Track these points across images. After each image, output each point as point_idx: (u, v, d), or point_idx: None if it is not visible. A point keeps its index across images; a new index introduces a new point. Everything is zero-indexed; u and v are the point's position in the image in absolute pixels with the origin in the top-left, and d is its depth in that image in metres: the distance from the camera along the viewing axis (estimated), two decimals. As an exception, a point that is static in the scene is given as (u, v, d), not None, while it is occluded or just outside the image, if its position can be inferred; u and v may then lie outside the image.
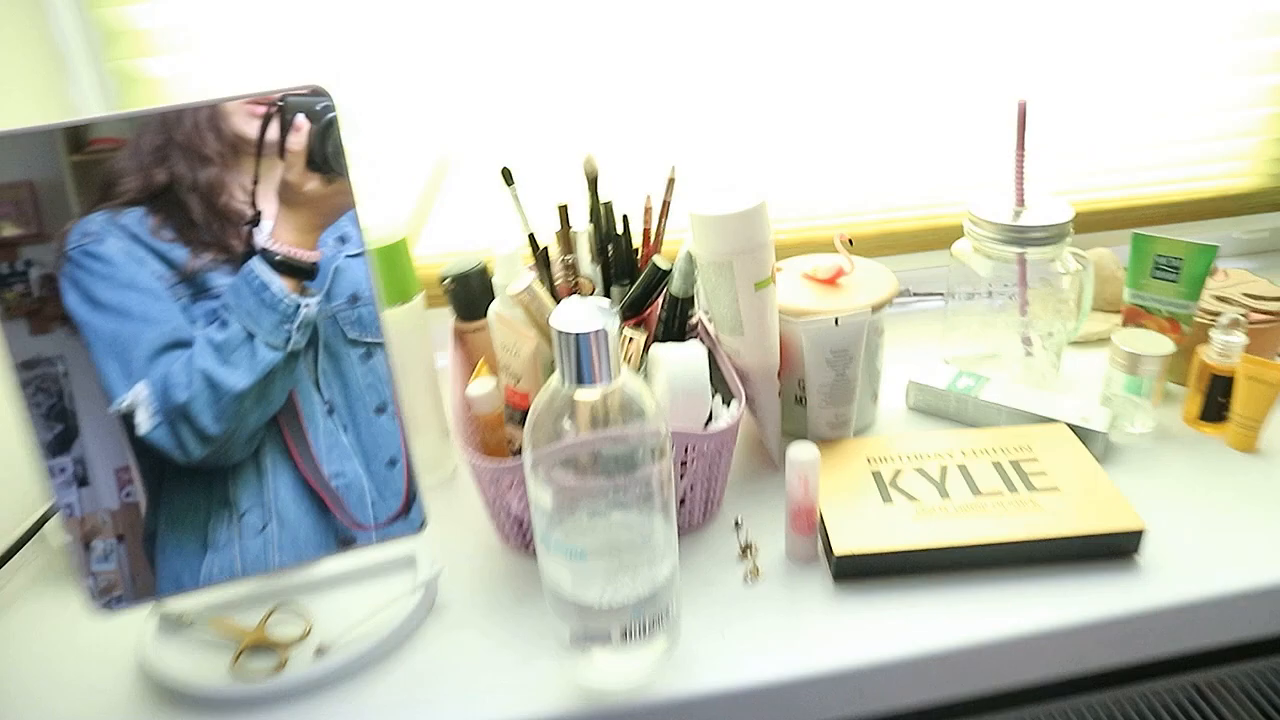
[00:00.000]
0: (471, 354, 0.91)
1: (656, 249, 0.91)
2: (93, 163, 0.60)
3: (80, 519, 0.60)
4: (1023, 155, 0.90)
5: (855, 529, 0.74)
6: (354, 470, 0.71)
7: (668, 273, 0.85)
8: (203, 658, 0.71)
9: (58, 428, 0.58)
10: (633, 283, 0.89)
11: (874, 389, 0.93)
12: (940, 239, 1.12)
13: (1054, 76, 1.11)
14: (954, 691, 0.71)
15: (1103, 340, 1.08)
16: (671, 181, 0.89)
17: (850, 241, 0.90)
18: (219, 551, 0.69)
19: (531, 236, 0.88)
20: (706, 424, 0.78)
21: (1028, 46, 1.08)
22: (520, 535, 0.78)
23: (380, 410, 0.71)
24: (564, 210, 0.88)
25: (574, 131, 1.05)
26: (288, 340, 0.68)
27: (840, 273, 0.90)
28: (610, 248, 0.91)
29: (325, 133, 0.65)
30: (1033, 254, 0.92)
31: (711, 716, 0.67)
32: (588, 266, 0.91)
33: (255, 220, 0.65)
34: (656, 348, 0.79)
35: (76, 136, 0.59)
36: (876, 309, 0.86)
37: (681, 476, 0.76)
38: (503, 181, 0.83)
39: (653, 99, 1.05)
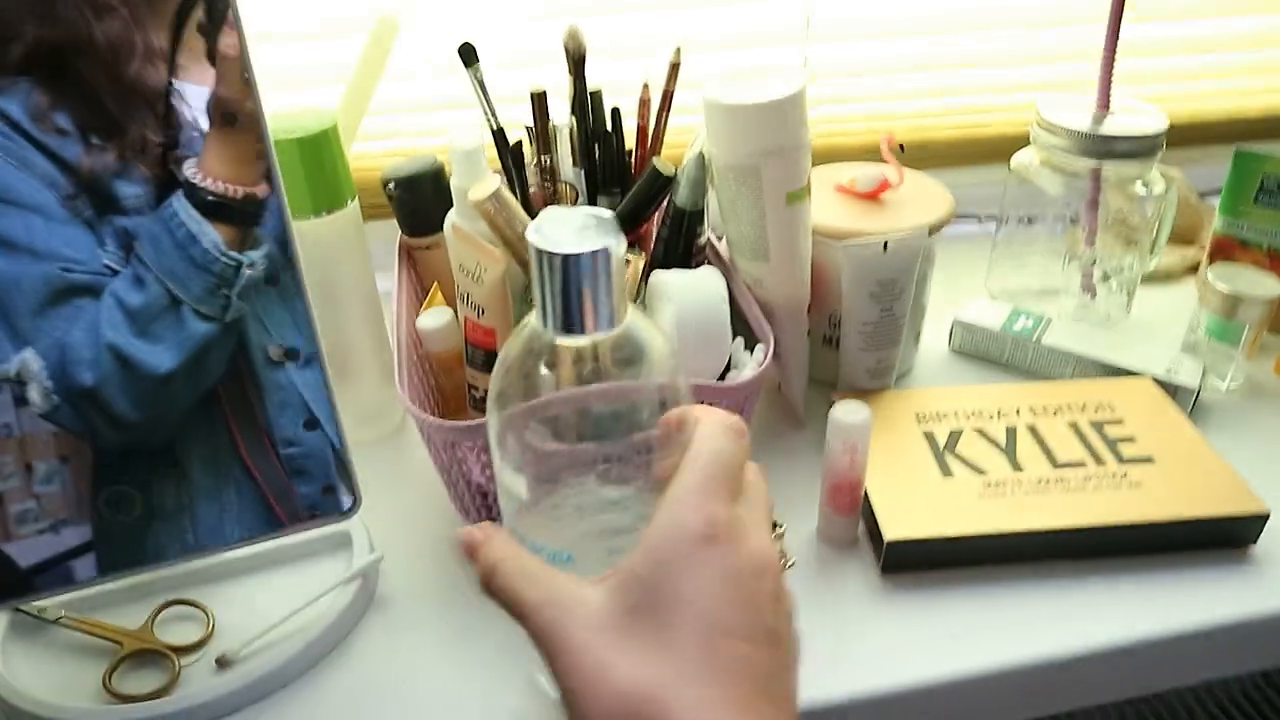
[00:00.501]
0: (423, 277, 0.73)
1: (655, 151, 0.73)
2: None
3: (19, 439, 0.50)
4: (1114, 46, 0.73)
5: (908, 508, 0.59)
6: (314, 438, 0.55)
7: (672, 179, 0.67)
8: (68, 670, 0.55)
9: None
10: (623, 194, 0.71)
11: (916, 328, 0.77)
12: (992, 151, 0.94)
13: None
14: (1027, 715, 0.57)
15: (1171, 277, 0.92)
16: (676, 66, 0.70)
17: (901, 147, 0.72)
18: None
19: (498, 132, 0.70)
20: (723, 374, 0.61)
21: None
22: (484, 509, 0.62)
23: (290, 356, 0.53)
24: (539, 98, 0.69)
25: None
26: (225, 308, 0.50)
27: (885, 185, 0.73)
28: (597, 148, 0.73)
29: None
30: (1112, 170, 0.76)
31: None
32: (569, 171, 0.73)
33: (165, 97, 0.47)
34: (660, 274, 0.62)
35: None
36: (933, 231, 0.70)
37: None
38: (461, 61, 0.64)
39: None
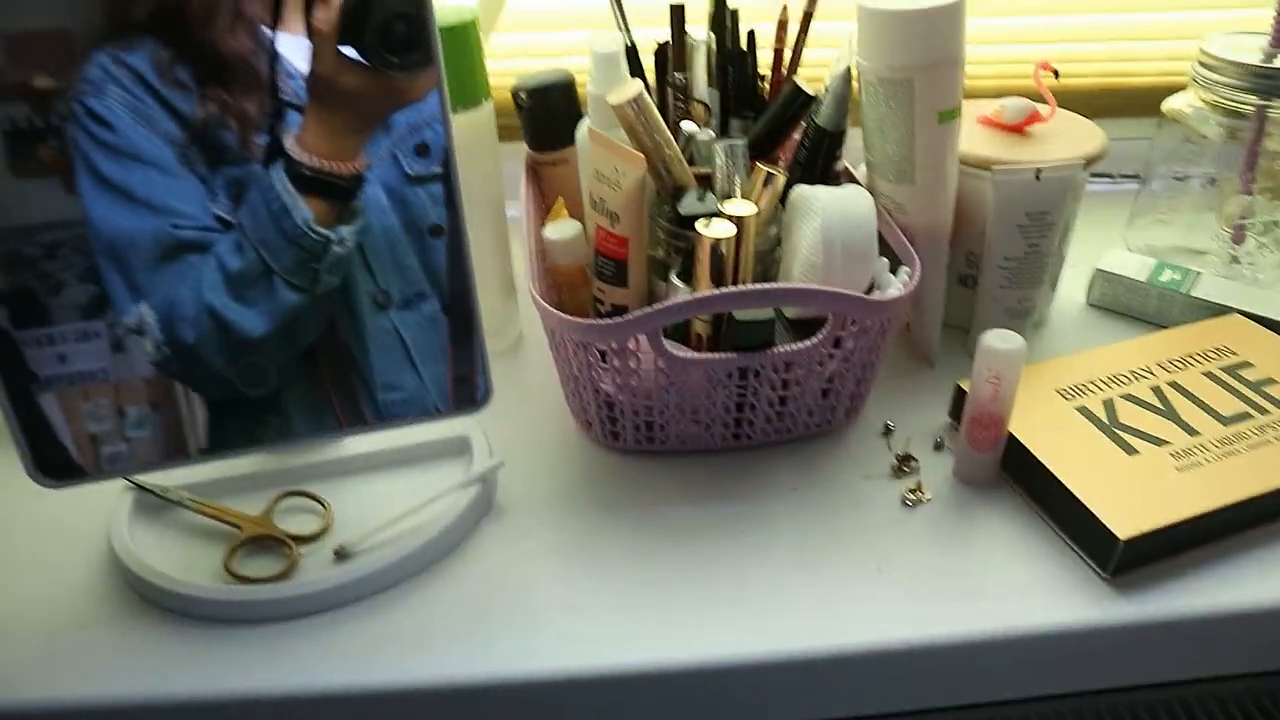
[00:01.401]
0: (548, 195, 0.72)
1: (793, 74, 0.70)
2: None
3: (114, 384, 0.51)
4: (1294, -26, 0.68)
5: (1121, 498, 0.53)
6: (412, 382, 0.55)
7: (813, 99, 0.64)
8: (189, 550, 0.55)
9: (92, 289, 0.49)
10: (756, 118, 0.69)
11: (1054, 276, 0.73)
12: (1137, 103, 0.89)
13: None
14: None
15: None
16: (817, -12, 0.68)
17: (1055, 74, 0.68)
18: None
19: (631, 49, 0.67)
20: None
21: None
22: (608, 423, 0.60)
23: (435, 233, 0.52)
24: (678, 10, 0.67)
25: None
26: (315, 281, 0.51)
27: (1035, 117, 0.69)
28: (732, 69, 0.70)
29: (366, 6, 0.46)
30: (1281, 112, 0.70)
31: (866, 677, 0.50)
32: (702, 89, 0.70)
33: (266, 61, 0.47)
34: (802, 188, 0.59)
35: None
36: (1090, 163, 0.65)
37: (832, 359, 0.57)
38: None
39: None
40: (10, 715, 0.47)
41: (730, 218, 0.55)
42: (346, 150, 0.49)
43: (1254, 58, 0.70)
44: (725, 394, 0.57)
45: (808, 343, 0.55)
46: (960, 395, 0.62)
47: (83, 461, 0.52)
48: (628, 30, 0.67)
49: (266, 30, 0.47)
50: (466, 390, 0.56)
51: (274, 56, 0.47)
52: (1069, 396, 0.61)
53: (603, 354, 0.56)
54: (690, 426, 0.59)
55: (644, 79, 0.68)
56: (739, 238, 0.55)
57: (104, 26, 0.45)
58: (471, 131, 0.63)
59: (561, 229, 0.63)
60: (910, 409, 0.64)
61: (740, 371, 0.56)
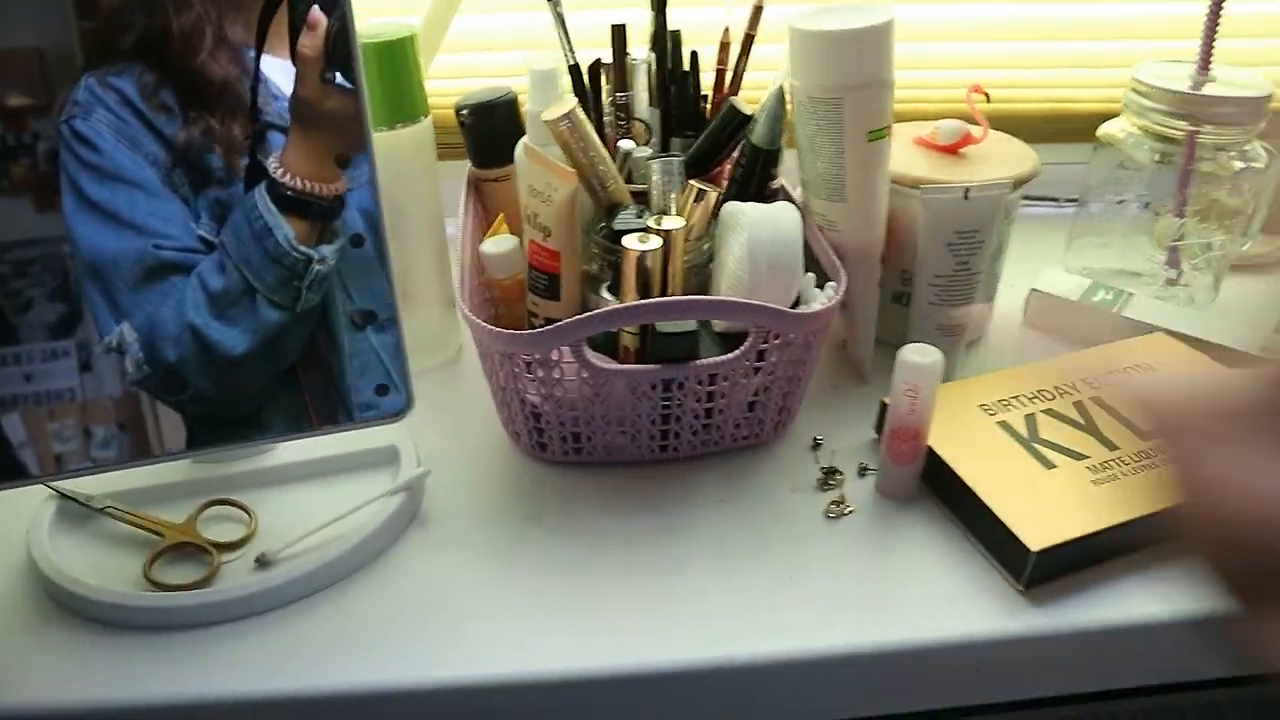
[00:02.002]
0: (491, 211, 0.72)
1: (732, 93, 0.71)
2: (105, 30, 0.48)
3: (81, 403, 0.52)
4: (1219, 6, 0.70)
5: (1033, 511, 0.53)
6: (392, 402, 0.56)
7: (749, 118, 0.65)
8: (110, 558, 0.55)
9: (61, 308, 0.50)
10: (697, 137, 0.70)
11: (990, 295, 0.74)
12: (1076, 129, 0.90)
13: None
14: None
15: (1262, 268, 0.88)
16: (759, 9, 0.69)
17: (987, 96, 0.70)
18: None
19: (574, 68, 0.69)
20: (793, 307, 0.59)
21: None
22: (535, 434, 0.60)
23: (357, 243, 0.53)
24: (619, 31, 0.68)
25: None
26: (296, 299, 0.52)
27: (968, 139, 0.70)
28: (673, 89, 0.71)
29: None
30: (1210, 136, 0.72)
31: (782, 687, 0.50)
32: (644, 109, 0.72)
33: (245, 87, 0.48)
34: (732, 204, 0.60)
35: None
36: (1019, 185, 0.67)
37: (756, 373, 0.58)
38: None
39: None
40: (-83, 721, 0.47)
41: (658, 232, 0.56)
42: (327, 172, 0.51)
43: (1183, 84, 0.72)
44: (650, 406, 0.57)
45: (731, 355, 0.56)
46: (884, 410, 0.62)
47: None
48: (571, 50, 0.68)
49: (250, 54, 0.48)
50: (388, 400, 0.56)
51: (258, 80, 0.49)
52: (991, 412, 0.62)
53: (528, 365, 0.57)
54: (617, 438, 0.60)
55: (588, 98, 0.69)
56: (666, 252, 0.56)
57: (91, 51, 0.46)
58: (409, 148, 0.64)
59: (499, 243, 0.64)
60: (841, 424, 0.65)
61: (664, 383, 0.56)
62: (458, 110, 0.70)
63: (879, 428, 0.64)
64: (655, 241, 0.55)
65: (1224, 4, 0.70)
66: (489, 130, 0.70)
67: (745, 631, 0.50)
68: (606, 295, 0.60)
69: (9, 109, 0.47)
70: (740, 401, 0.59)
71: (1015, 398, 0.63)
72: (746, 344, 0.56)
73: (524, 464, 0.62)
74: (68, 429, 0.52)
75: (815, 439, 0.63)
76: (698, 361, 0.56)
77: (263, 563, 0.53)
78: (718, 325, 0.61)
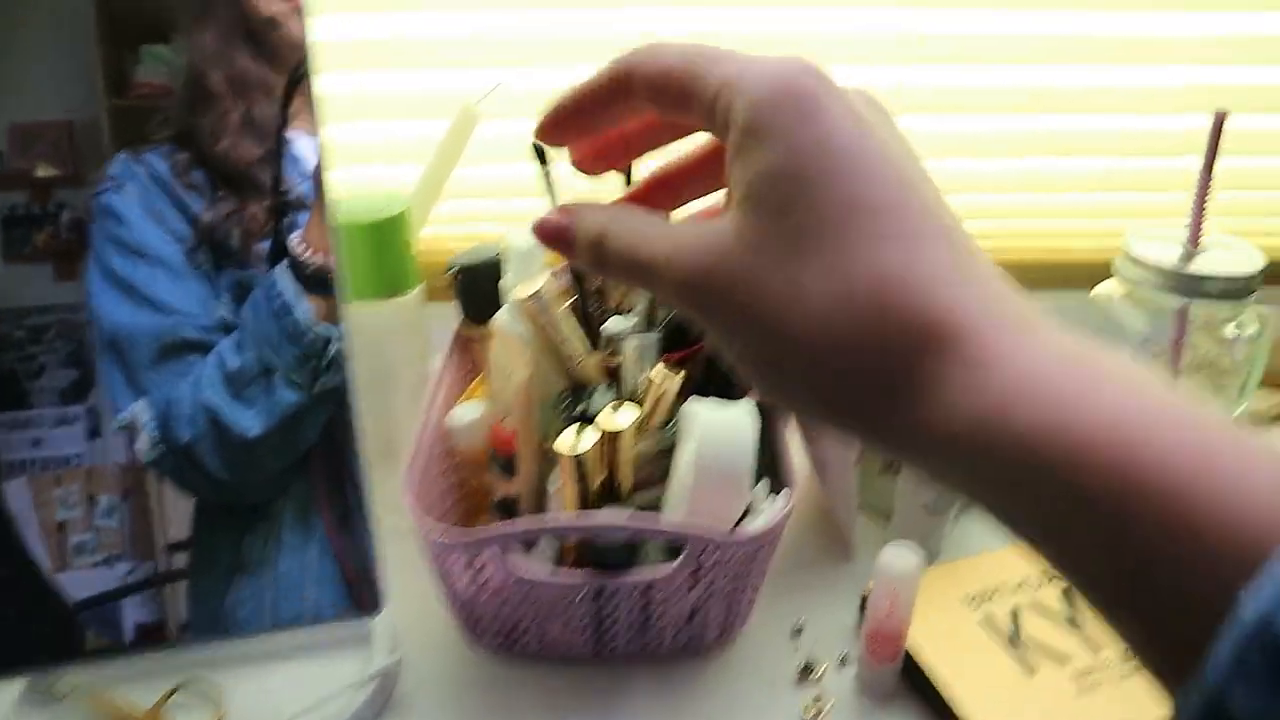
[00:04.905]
0: (477, 368, 0.72)
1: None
2: (135, 108, 0.50)
3: (87, 470, 0.52)
4: (1209, 181, 0.70)
5: None
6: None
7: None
8: (75, 746, 0.54)
9: (74, 374, 0.51)
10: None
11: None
12: (1073, 278, 0.90)
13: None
14: None
15: (1259, 423, 0.87)
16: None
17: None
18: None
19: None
20: (739, 521, 0.57)
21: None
22: (469, 626, 0.59)
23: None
24: None
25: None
26: (314, 380, 0.51)
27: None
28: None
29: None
30: (1201, 310, 0.72)
31: None
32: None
33: (280, 160, 0.48)
34: (691, 405, 0.59)
35: (120, 77, 0.49)
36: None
37: (691, 588, 0.56)
38: (534, 158, 0.63)
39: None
40: None
41: (603, 429, 0.55)
42: None
43: (1173, 258, 0.72)
44: (583, 611, 0.56)
45: (665, 570, 0.54)
46: (865, 604, 0.62)
47: (49, 549, 0.52)
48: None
49: (278, 133, 0.49)
50: (359, 599, 0.56)
51: (282, 158, 0.49)
52: (975, 605, 0.61)
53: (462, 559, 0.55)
54: (551, 635, 0.58)
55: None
56: (614, 448, 0.55)
57: (122, 128, 0.48)
58: (398, 318, 0.64)
59: (466, 412, 0.63)
60: (825, 604, 0.64)
61: (596, 591, 0.55)
62: (448, 268, 0.70)
63: (862, 616, 0.63)
64: (590, 440, 0.54)
65: (1212, 180, 0.70)
66: (477, 289, 0.70)
67: None
68: (551, 487, 0.59)
69: (36, 179, 0.48)
70: (680, 612, 0.57)
71: (999, 587, 0.62)
72: (681, 558, 0.54)
73: (463, 652, 0.60)
74: (71, 496, 0.52)
75: (796, 625, 0.62)
76: (630, 575, 0.54)
77: (227, 757, 0.53)
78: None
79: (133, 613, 0.54)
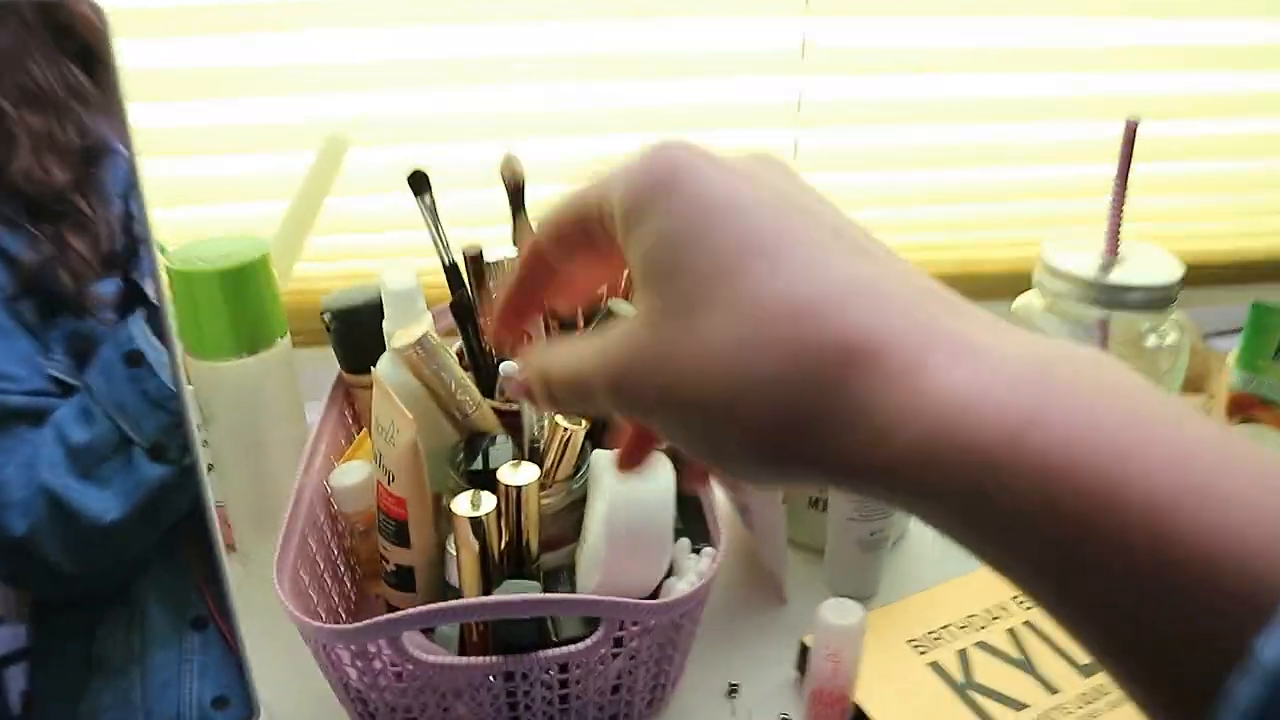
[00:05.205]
0: (363, 417, 0.65)
1: (616, 292, 0.65)
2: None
3: None
4: (1124, 190, 0.68)
5: None
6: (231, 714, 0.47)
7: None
8: None
9: None
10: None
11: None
12: (993, 288, 0.88)
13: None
14: None
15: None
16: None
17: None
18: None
19: (451, 268, 0.61)
20: (659, 587, 0.52)
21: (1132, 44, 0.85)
22: (365, 715, 0.52)
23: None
24: (474, 261, 0.59)
25: (511, 118, 0.79)
26: (184, 450, 0.42)
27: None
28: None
29: None
30: (1122, 321, 0.70)
31: None
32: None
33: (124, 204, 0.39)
34: (600, 456, 0.53)
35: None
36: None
37: (614, 659, 0.50)
38: (411, 189, 0.57)
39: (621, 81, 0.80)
40: None
41: (506, 487, 0.49)
42: None
43: (1091, 269, 0.70)
44: (492, 695, 0.49)
45: (581, 645, 0.48)
46: (804, 652, 0.57)
47: None
48: (446, 248, 0.62)
49: (87, 151, 0.39)
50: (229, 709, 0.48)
51: (102, 181, 0.40)
52: (922, 649, 0.56)
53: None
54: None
55: (468, 296, 0.63)
56: (517, 507, 0.49)
57: None
58: (265, 374, 0.57)
59: (349, 473, 0.56)
60: (761, 658, 0.59)
61: (506, 674, 0.49)
62: (321, 313, 0.63)
63: (801, 666, 0.58)
64: (490, 502, 0.49)
65: (1126, 189, 0.68)
66: (356, 336, 0.63)
67: None
68: (450, 550, 0.52)
69: None
70: (602, 687, 0.51)
71: (946, 627, 0.58)
72: (599, 632, 0.48)
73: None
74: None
75: (731, 686, 0.57)
76: (544, 652, 0.48)
77: None
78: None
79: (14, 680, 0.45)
